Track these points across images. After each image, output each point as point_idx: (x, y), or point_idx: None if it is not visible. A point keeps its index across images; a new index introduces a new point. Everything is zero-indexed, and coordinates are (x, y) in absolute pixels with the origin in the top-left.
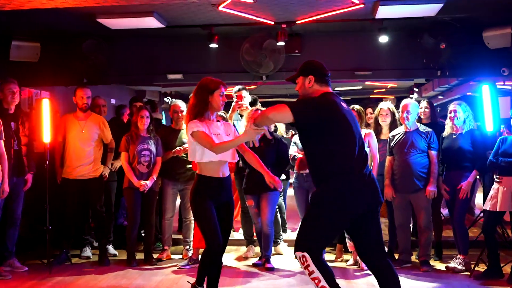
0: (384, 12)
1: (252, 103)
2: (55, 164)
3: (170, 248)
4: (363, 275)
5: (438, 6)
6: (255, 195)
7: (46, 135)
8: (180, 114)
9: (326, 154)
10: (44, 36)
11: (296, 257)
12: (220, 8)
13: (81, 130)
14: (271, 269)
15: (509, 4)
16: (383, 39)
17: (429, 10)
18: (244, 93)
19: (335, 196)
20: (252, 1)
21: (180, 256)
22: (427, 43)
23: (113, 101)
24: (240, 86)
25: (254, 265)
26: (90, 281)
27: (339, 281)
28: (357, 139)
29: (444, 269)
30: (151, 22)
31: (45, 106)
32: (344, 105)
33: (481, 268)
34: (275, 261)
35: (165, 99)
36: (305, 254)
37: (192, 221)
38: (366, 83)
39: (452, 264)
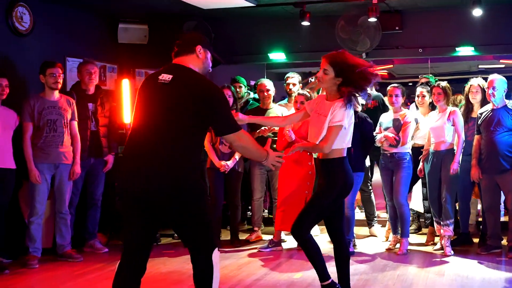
0: None
1: None
2: None
3: (262, 229)
4: (441, 262)
5: None
6: None
7: (127, 116)
8: (266, 93)
9: None
10: (151, 19)
11: None
12: None
13: None
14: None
15: None
16: (477, 12)
17: None
18: None
19: None
20: None
21: (271, 237)
22: None
23: (252, 82)
24: None
25: None
26: (156, 265)
27: (413, 268)
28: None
29: None
30: (239, 1)
31: (125, 87)
32: (162, 77)
33: None
34: (365, 243)
35: (310, 79)
36: None
37: None
38: (501, 60)
39: None
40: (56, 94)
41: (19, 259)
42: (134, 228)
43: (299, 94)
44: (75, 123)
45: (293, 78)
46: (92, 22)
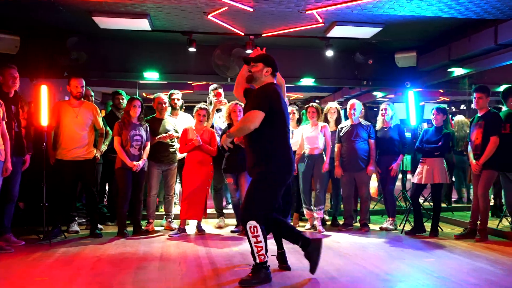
0: (335, 31)
1: None
2: (47, 147)
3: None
4: (323, 236)
5: (376, 30)
6: (234, 174)
7: (44, 119)
8: (163, 105)
9: (272, 136)
10: (26, 30)
11: (246, 227)
12: (209, 16)
13: (75, 116)
14: None
15: (415, 32)
16: (329, 53)
17: (369, 32)
18: (221, 90)
19: (278, 171)
20: (252, 10)
21: (161, 228)
22: (358, 59)
23: None
24: (216, 85)
25: (232, 232)
26: (95, 250)
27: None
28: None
29: (378, 229)
30: (142, 24)
31: (43, 92)
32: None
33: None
34: None
35: None
36: (257, 224)
37: (173, 197)
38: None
39: (384, 225)
40: None
41: None
42: None
43: (201, 108)
44: (4, 123)
45: (178, 94)
46: None
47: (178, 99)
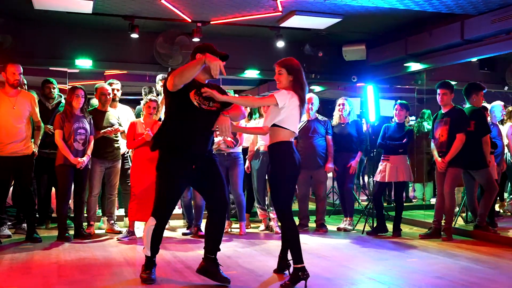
0: (292, 21)
1: None
2: None
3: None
4: (278, 238)
5: (334, 21)
6: None
7: None
8: (108, 97)
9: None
10: None
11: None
12: (162, 0)
13: (12, 106)
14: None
15: (370, 25)
16: (280, 44)
17: (326, 23)
18: None
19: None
20: None
21: (102, 231)
22: (307, 51)
23: None
24: (164, 75)
25: (184, 234)
26: (47, 256)
27: (273, 242)
28: None
29: (336, 230)
30: (86, 6)
31: None
32: None
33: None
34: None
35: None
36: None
37: (116, 197)
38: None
39: (342, 225)
40: None
41: None
42: None
43: (151, 100)
44: None
45: (118, 84)
46: None
47: (118, 90)
